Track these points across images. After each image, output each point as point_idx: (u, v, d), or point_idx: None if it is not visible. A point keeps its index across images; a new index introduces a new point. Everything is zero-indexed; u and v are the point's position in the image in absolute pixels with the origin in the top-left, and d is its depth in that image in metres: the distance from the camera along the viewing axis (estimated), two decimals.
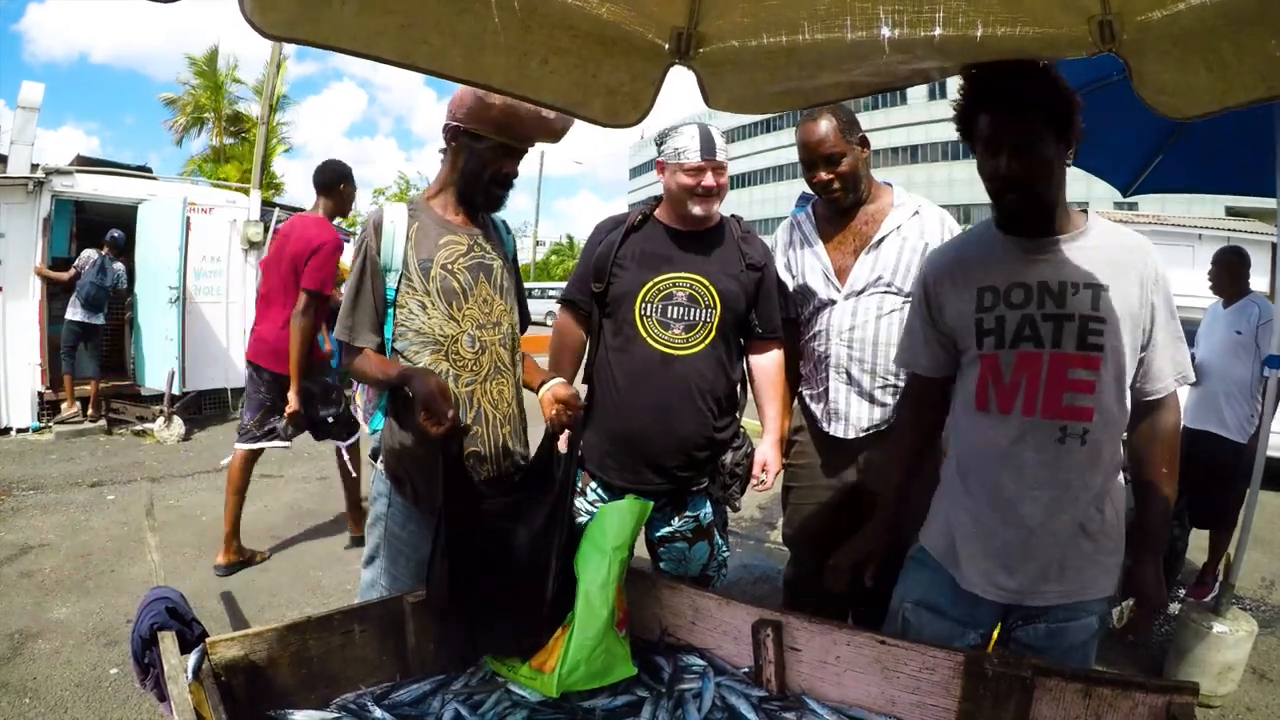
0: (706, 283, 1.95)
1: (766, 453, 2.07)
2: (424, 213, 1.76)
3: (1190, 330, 3.56)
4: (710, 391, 1.96)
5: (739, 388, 2.14)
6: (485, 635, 1.54)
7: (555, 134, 1.75)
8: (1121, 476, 1.45)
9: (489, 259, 1.81)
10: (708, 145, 1.90)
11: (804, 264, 2.17)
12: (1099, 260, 1.36)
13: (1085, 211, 1.45)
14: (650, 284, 1.96)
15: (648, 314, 1.95)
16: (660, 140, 2.02)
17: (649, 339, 1.94)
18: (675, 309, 1.95)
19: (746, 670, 1.52)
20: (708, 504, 2.04)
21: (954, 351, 1.51)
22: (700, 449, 1.98)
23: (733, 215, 2.13)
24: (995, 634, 1.45)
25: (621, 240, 2.03)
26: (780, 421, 2.15)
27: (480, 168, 1.73)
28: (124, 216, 8.07)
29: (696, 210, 1.95)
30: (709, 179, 1.91)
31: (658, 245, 2.01)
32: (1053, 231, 1.39)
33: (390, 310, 1.74)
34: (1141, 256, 1.38)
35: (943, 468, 1.57)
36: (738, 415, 2.11)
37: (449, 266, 1.73)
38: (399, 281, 1.71)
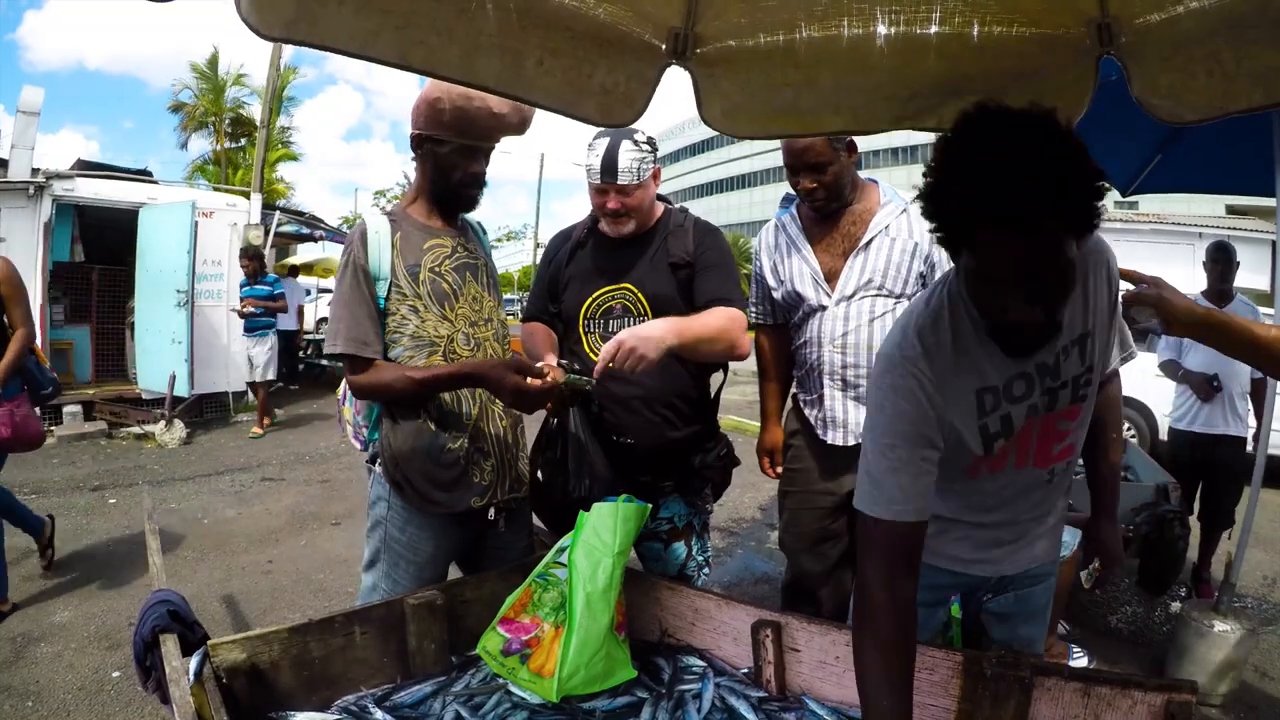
0: (636, 290, 1.91)
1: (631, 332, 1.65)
2: (405, 221, 1.77)
3: None
4: (658, 400, 1.90)
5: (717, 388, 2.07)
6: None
7: (515, 128, 1.75)
8: None
9: (473, 258, 1.83)
10: (608, 167, 1.80)
11: (792, 269, 2.13)
12: (1078, 294, 1.17)
13: None
14: (589, 300, 1.93)
15: (590, 330, 1.93)
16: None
17: (594, 356, 1.86)
18: (615, 323, 1.91)
19: (746, 671, 1.52)
20: (680, 505, 1.99)
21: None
22: (656, 457, 1.92)
23: (680, 206, 2.04)
24: (954, 611, 1.51)
25: (568, 258, 2.00)
26: (680, 324, 1.73)
27: (447, 171, 1.75)
28: (125, 220, 8.09)
29: (607, 227, 1.92)
30: (611, 201, 1.85)
31: (596, 259, 1.97)
32: None
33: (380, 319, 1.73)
34: (1101, 255, 1.22)
35: None
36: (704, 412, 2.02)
37: (436, 269, 1.75)
38: (388, 290, 1.72)
